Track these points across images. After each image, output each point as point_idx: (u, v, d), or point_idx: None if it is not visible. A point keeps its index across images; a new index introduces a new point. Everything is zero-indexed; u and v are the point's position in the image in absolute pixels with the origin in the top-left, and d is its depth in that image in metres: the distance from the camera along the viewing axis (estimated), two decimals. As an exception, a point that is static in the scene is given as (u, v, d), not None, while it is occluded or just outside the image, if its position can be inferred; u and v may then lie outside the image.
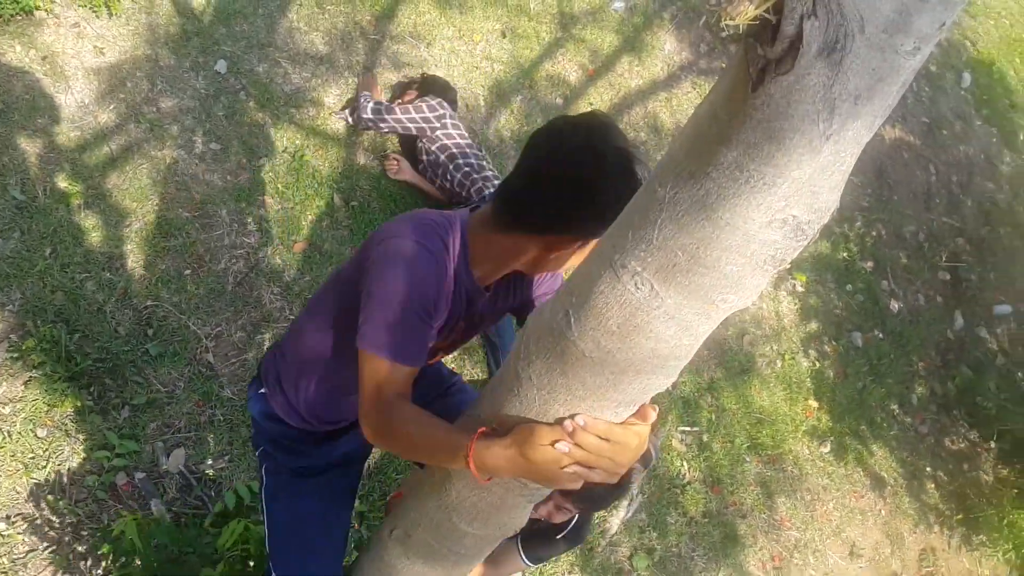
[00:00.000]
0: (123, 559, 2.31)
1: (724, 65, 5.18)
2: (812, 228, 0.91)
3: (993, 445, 4.98)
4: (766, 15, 0.75)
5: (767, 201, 0.87)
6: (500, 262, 1.51)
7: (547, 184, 1.37)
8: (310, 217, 3.38)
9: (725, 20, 0.73)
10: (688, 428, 4.09)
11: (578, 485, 1.22)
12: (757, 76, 0.79)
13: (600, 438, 1.11)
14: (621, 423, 1.14)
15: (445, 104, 3.54)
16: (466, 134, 3.58)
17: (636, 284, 0.99)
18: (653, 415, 1.15)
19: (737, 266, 0.93)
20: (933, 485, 4.82)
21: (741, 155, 0.85)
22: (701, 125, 0.90)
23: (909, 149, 5.91)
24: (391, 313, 1.33)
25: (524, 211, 1.41)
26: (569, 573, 3.42)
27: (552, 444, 1.14)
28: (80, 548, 2.57)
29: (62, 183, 2.95)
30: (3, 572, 2.46)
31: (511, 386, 1.21)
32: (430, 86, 3.67)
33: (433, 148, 3.49)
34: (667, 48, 4.99)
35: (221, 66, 3.41)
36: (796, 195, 0.86)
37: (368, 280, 1.37)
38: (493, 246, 1.45)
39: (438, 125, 3.49)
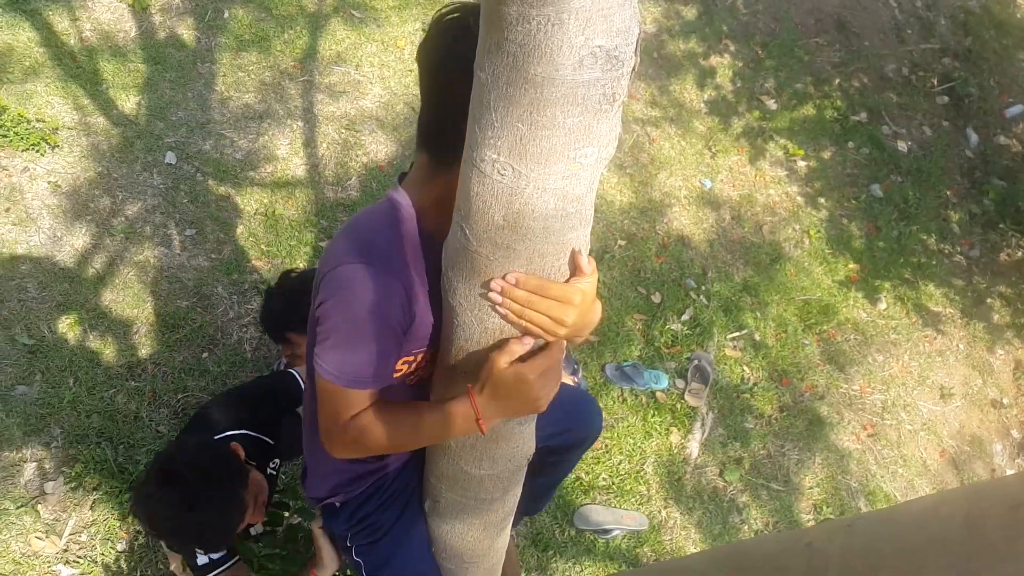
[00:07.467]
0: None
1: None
2: (625, 52, 0.91)
3: (1047, 242, 4.84)
4: None
5: (566, 41, 0.87)
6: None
7: (456, 96, 1.11)
8: (301, 265, 3.44)
9: None
10: (736, 333, 4.04)
11: (556, 388, 1.24)
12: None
13: (536, 295, 1.12)
14: (562, 282, 1.13)
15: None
16: None
17: (499, 171, 1.00)
18: (587, 264, 1.13)
19: (575, 116, 0.93)
20: (1001, 303, 4.69)
21: (520, 6, 0.85)
22: (483, -5, 0.91)
23: (863, -9, 5.76)
24: (343, 339, 1.25)
25: (446, 136, 1.19)
26: (664, 508, 3.41)
27: (508, 364, 1.18)
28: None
29: (62, 316, 3.06)
30: None
31: (449, 318, 1.23)
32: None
33: None
34: None
35: (170, 157, 3.49)
36: (590, 25, 0.86)
37: (319, 310, 1.27)
38: (443, 192, 1.22)
39: None
